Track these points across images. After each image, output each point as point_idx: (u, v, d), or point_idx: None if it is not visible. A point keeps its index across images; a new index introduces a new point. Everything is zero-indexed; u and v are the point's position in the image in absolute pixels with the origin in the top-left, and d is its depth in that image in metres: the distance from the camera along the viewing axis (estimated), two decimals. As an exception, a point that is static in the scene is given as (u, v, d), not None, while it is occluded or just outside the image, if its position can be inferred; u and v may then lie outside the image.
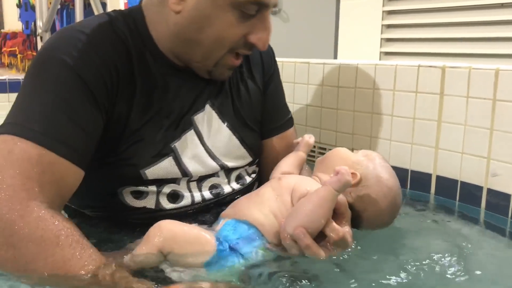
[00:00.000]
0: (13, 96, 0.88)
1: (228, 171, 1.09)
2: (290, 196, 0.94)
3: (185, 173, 1.00)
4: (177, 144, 1.00)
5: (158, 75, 0.99)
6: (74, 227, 0.81)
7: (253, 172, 1.18)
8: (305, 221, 0.86)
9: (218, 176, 1.08)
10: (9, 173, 0.78)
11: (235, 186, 1.11)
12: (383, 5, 2.14)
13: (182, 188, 1.01)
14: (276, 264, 0.86)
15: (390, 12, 2.16)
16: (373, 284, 0.86)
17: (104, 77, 0.90)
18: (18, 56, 4.56)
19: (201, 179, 1.04)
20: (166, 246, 0.82)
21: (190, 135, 1.02)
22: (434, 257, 0.95)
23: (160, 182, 0.98)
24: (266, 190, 0.98)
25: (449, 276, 0.90)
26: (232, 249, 0.86)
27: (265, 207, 0.92)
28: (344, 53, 2.31)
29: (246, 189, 1.14)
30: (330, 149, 1.69)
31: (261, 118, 1.20)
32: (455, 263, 0.93)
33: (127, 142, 0.95)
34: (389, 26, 2.16)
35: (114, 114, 0.93)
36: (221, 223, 0.92)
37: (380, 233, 1.04)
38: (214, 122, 1.07)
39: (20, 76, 2.94)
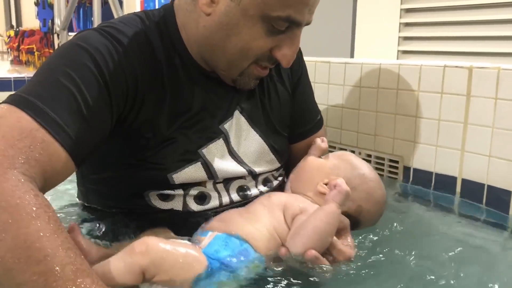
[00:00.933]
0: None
1: (255, 175, 1.07)
2: (282, 213, 0.91)
3: (211, 176, 0.99)
4: (205, 150, 0.99)
5: (186, 81, 0.98)
6: (54, 211, 0.71)
7: (280, 176, 1.16)
8: (314, 239, 0.84)
9: (245, 179, 1.06)
10: None
11: (262, 188, 1.09)
12: (401, 3, 2.10)
13: (209, 189, 0.99)
14: (270, 280, 0.83)
15: (408, 10, 2.12)
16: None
17: (127, 82, 0.89)
18: (36, 53, 4.56)
19: (227, 181, 1.02)
20: (151, 269, 0.74)
21: (219, 142, 1.01)
22: (454, 263, 0.95)
23: (187, 186, 0.97)
24: (256, 206, 0.94)
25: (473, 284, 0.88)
26: (223, 265, 0.81)
27: (257, 221, 0.89)
28: (361, 52, 2.27)
29: (273, 190, 1.12)
30: (352, 150, 1.75)
31: (290, 121, 1.17)
32: (477, 271, 0.92)
33: (155, 147, 0.94)
34: (407, 24, 2.12)
35: (139, 119, 0.92)
36: (209, 236, 0.87)
37: (398, 236, 1.03)
38: (244, 129, 1.06)
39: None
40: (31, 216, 0.67)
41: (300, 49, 1.21)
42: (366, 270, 0.88)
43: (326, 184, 0.96)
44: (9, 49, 4.87)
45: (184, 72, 0.99)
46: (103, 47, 0.88)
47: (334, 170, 0.98)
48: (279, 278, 0.83)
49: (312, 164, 1.03)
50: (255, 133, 1.07)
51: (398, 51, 2.13)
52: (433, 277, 0.88)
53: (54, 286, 0.62)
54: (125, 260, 0.75)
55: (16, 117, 0.76)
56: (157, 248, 0.76)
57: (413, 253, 0.96)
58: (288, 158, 1.19)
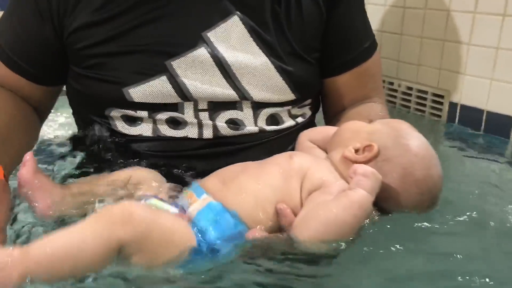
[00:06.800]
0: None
1: (254, 105, 0.90)
2: (299, 183, 0.76)
3: (184, 96, 0.85)
4: (176, 63, 0.84)
5: None
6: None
7: (302, 116, 0.97)
8: (330, 232, 0.69)
9: (241, 110, 0.89)
10: None
11: (267, 127, 0.91)
12: None
13: (186, 116, 0.87)
14: (264, 270, 0.69)
15: None
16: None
17: None
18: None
19: (214, 109, 0.88)
20: (131, 245, 0.61)
21: (198, 52, 0.85)
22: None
23: (152, 107, 0.86)
24: (272, 169, 0.78)
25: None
26: (210, 246, 0.69)
27: (265, 193, 0.74)
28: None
29: (284, 134, 0.94)
30: (391, 82, 1.67)
31: (323, 47, 0.97)
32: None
33: (106, 54, 0.85)
34: None
35: (77, 19, 0.85)
36: (202, 200, 0.74)
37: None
38: (242, 42, 0.88)
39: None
40: None
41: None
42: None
43: (357, 151, 0.78)
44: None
45: None
46: None
47: (372, 135, 0.80)
48: (275, 268, 0.69)
49: (349, 126, 0.86)
50: (258, 50, 0.89)
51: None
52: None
53: None
54: (99, 230, 0.61)
55: None
56: (144, 218, 0.63)
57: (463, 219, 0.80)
58: (324, 96, 1.02)
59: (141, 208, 0.65)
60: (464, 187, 0.96)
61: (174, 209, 0.72)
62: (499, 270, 0.69)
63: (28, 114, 0.91)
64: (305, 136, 0.90)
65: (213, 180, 0.78)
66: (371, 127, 0.82)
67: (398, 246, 0.71)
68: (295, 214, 0.72)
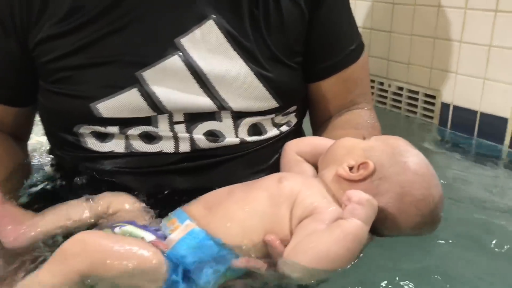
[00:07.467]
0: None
1: (236, 115, 0.85)
2: (289, 210, 0.72)
3: (158, 108, 0.81)
4: (147, 73, 0.80)
5: None
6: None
7: (286, 124, 0.92)
8: (323, 265, 0.65)
9: (220, 120, 0.85)
10: None
11: (249, 138, 0.86)
12: None
13: (160, 130, 0.83)
14: None
15: None
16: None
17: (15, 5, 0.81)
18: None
19: (191, 120, 0.84)
20: (92, 274, 0.61)
21: (172, 62, 0.81)
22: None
23: (123, 122, 0.82)
24: (260, 194, 0.74)
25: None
26: (186, 276, 0.66)
27: (253, 223, 0.71)
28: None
29: (267, 144, 0.89)
30: (381, 82, 1.63)
31: (306, 51, 0.92)
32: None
33: (68, 67, 0.81)
34: None
35: (42, 30, 0.81)
36: (184, 227, 0.71)
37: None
38: (218, 47, 0.84)
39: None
40: None
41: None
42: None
43: (351, 169, 0.74)
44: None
45: None
46: None
47: (368, 152, 0.76)
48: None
49: (343, 142, 0.82)
50: (236, 55, 0.84)
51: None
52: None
53: None
54: (56, 269, 0.61)
55: None
56: (99, 247, 0.62)
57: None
58: (309, 102, 0.98)
59: (97, 236, 0.64)
60: (458, 195, 0.93)
61: (150, 236, 0.69)
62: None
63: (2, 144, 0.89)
64: (291, 149, 0.86)
65: (198, 205, 0.74)
66: (366, 144, 0.78)
67: (393, 265, 0.69)
68: (285, 244, 0.68)
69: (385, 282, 0.67)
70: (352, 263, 0.65)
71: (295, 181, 0.74)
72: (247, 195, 0.73)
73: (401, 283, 0.67)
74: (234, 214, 0.71)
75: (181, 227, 0.71)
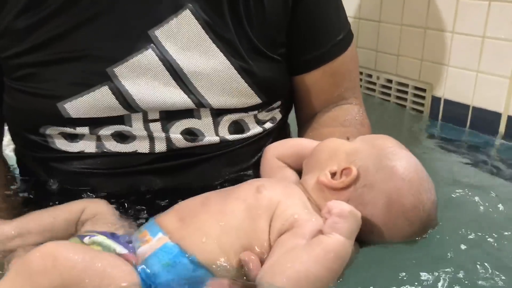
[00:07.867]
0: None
1: (216, 113, 0.82)
2: (268, 223, 0.67)
3: (130, 107, 0.78)
4: (118, 69, 0.78)
5: None
6: None
7: (270, 120, 0.88)
8: (301, 286, 0.61)
9: (199, 118, 0.82)
10: None
11: (228, 136, 0.83)
12: None
13: (134, 129, 0.80)
14: None
15: None
16: None
17: None
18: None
19: (167, 118, 0.81)
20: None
21: (145, 56, 0.78)
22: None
23: (93, 122, 0.79)
24: (237, 206, 0.70)
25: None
26: None
27: (229, 239, 0.66)
28: None
29: (249, 142, 0.87)
30: (369, 74, 1.60)
31: (289, 41, 0.89)
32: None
33: (32, 63, 0.77)
34: None
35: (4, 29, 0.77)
36: (157, 240, 0.66)
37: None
38: (196, 40, 0.81)
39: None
40: None
41: None
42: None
43: (333, 175, 0.70)
44: None
45: None
46: None
47: (351, 156, 0.71)
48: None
49: (326, 144, 0.78)
50: (215, 48, 0.81)
51: None
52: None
53: None
54: (18, 286, 0.57)
55: None
56: (70, 262, 0.58)
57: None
58: (294, 96, 0.94)
59: (68, 251, 0.60)
60: (450, 191, 0.89)
61: (122, 249, 0.66)
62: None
63: None
64: (272, 153, 0.82)
65: (171, 216, 0.70)
66: (351, 146, 0.73)
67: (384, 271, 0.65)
68: (263, 261, 0.64)
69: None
70: (338, 281, 0.60)
71: (274, 191, 0.70)
72: (223, 207, 0.68)
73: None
74: (210, 228, 0.66)
75: (153, 240, 0.67)
